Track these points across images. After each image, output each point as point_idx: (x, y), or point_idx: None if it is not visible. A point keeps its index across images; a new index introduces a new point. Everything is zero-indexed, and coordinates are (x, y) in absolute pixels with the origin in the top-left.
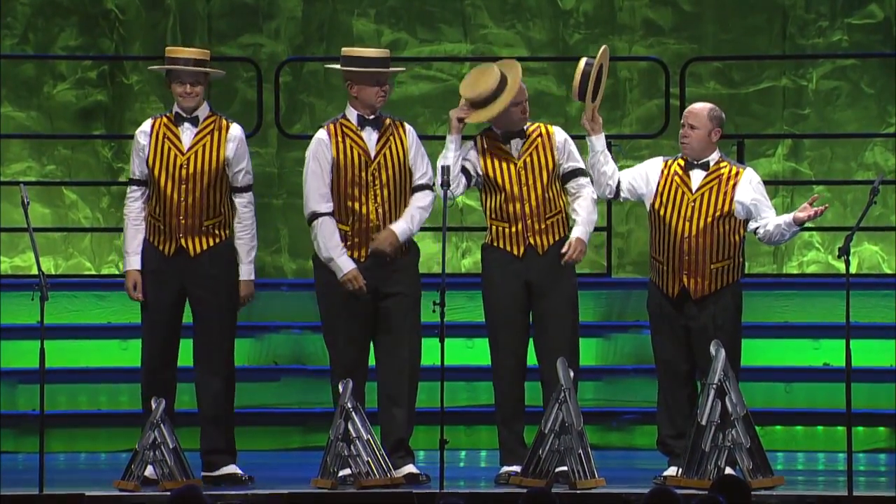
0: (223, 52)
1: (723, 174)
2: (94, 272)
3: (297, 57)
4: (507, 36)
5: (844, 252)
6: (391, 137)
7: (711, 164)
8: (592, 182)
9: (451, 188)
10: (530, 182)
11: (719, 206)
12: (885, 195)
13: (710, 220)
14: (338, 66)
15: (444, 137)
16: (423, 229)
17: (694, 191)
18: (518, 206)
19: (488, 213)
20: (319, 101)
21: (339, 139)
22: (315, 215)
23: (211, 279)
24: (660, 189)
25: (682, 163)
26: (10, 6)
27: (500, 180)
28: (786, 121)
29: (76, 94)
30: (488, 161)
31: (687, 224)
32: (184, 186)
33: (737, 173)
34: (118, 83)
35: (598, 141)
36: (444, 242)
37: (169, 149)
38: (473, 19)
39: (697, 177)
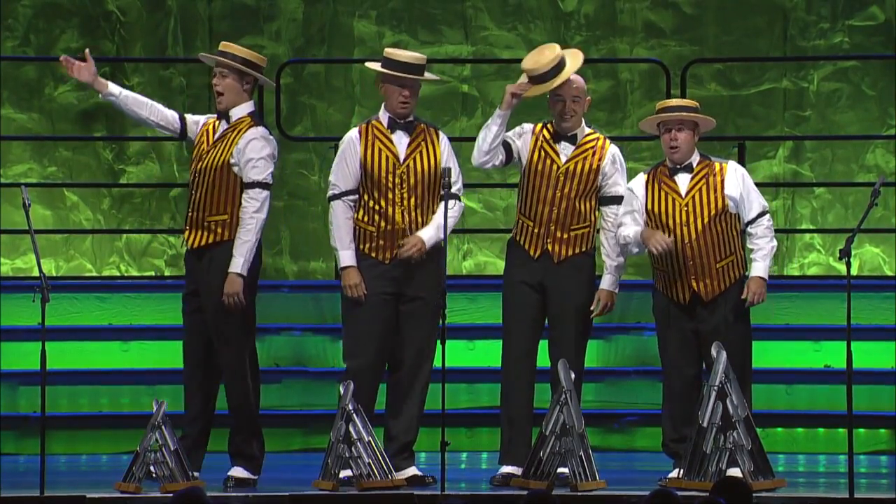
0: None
1: (708, 172)
2: (95, 274)
3: (298, 59)
4: (508, 38)
5: (845, 254)
6: (423, 143)
7: (695, 164)
8: (619, 245)
9: (488, 158)
10: (566, 189)
11: (713, 205)
12: (886, 197)
13: (706, 220)
14: (378, 67)
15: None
16: None
17: (684, 195)
18: (547, 209)
19: (519, 206)
20: (320, 103)
21: (369, 140)
22: (332, 196)
23: (207, 277)
24: (648, 203)
25: (665, 170)
26: (12, 8)
27: (537, 179)
28: (787, 122)
29: (77, 95)
30: (535, 154)
31: (685, 229)
32: (195, 179)
33: (721, 168)
34: (119, 85)
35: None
36: (444, 244)
37: (203, 142)
38: (474, 21)
39: (684, 181)
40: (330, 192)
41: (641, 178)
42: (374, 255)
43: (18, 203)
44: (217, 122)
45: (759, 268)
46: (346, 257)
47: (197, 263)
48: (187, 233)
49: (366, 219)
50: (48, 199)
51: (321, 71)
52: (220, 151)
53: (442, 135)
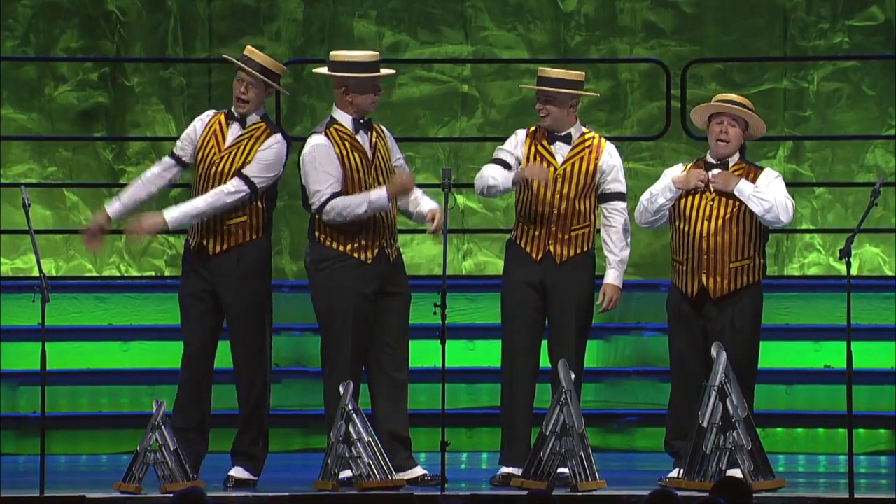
0: (224, 54)
1: (743, 174)
2: (94, 274)
3: (298, 59)
4: (508, 38)
5: (845, 254)
6: (378, 139)
7: (731, 164)
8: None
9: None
10: (564, 190)
11: (734, 203)
12: (886, 197)
13: (727, 216)
14: (325, 71)
15: (444, 139)
16: (423, 231)
17: (713, 190)
18: (546, 210)
19: (517, 208)
20: (321, 103)
21: (340, 144)
22: (327, 199)
23: (232, 278)
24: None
25: (702, 165)
26: (11, 8)
27: (535, 182)
28: (787, 123)
29: (77, 95)
30: (530, 157)
31: (705, 223)
32: (210, 182)
33: (757, 172)
34: (119, 85)
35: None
36: (444, 244)
37: (213, 144)
38: (474, 21)
39: None
40: (320, 200)
41: (680, 167)
42: (356, 255)
43: (18, 203)
44: (225, 122)
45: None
46: (381, 192)
47: (217, 267)
48: (202, 239)
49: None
50: (48, 199)
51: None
52: (237, 156)
53: (384, 127)
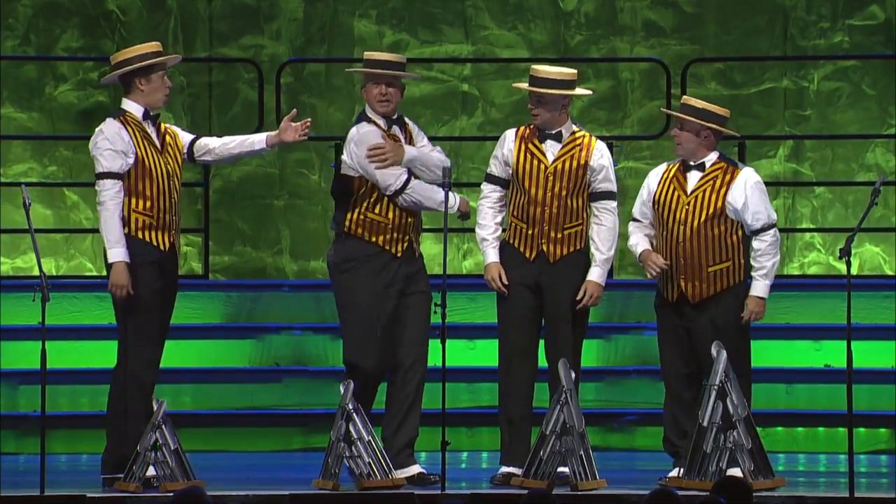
0: (224, 53)
1: (718, 175)
2: (95, 273)
3: (299, 58)
4: (508, 37)
5: (845, 253)
6: (408, 136)
7: (708, 165)
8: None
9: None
10: (556, 189)
11: (710, 207)
12: (886, 196)
13: (703, 219)
14: (356, 70)
15: (443, 138)
16: (424, 230)
17: (689, 193)
18: (538, 210)
19: (511, 208)
20: (321, 103)
21: (382, 133)
22: (411, 176)
23: (176, 276)
24: (657, 195)
25: (681, 166)
26: (12, 7)
27: (526, 181)
28: (787, 122)
29: (77, 95)
30: (521, 157)
31: (681, 227)
32: (169, 183)
33: (734, 173)
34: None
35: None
36: (445, 244)
37: (147, 146)
38: (475, 20)
39: (693, 179)
40: (402, 179)
41: (660, 169)
42: (388, 247)
43: (19, 202)
44: (141, 122)
45: (759, 287)
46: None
47: (175, 262)
48: (173, 237)
49: (378, 210)
50: (48, 199)
51: (321, 70)
52: (174, 157)
53: (409, 121)
